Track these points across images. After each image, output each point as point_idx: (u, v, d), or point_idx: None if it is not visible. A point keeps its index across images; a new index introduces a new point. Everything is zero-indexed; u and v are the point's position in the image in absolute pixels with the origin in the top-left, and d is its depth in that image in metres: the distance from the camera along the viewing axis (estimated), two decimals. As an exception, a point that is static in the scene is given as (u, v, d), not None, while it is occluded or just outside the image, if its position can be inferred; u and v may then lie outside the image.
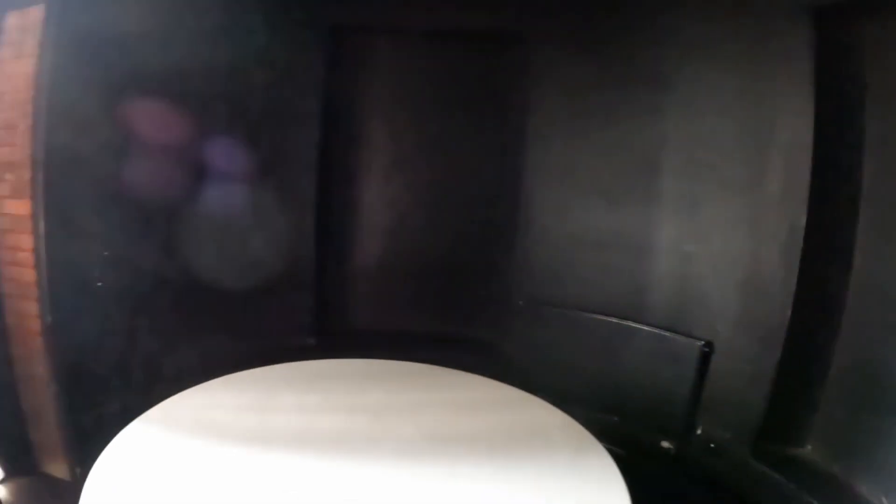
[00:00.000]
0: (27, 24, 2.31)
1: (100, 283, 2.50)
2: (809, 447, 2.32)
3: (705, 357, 2.60)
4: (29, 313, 2.38)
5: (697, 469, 2.55)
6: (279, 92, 3.19)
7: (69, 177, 2.40)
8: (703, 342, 2.60)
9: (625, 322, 2.90)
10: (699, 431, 2.63)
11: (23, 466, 2.61)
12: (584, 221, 3.10)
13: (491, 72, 3.40)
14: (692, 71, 2.69)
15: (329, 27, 3.23)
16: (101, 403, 2.39)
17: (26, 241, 2.32)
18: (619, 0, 2.88)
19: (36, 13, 2.29)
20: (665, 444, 2.68)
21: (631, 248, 2.95)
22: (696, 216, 2.71)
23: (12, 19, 2.33)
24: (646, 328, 2.83)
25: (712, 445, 2.55)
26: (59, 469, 2.59)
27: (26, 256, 2.34)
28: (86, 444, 2.16)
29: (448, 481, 1.63)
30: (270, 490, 1.54)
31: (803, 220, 2.19)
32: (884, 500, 1.96)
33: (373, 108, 3.46)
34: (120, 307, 2.65)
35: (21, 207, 2.33)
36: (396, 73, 3.45)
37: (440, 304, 3.54)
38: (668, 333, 2.74)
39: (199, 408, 1.98)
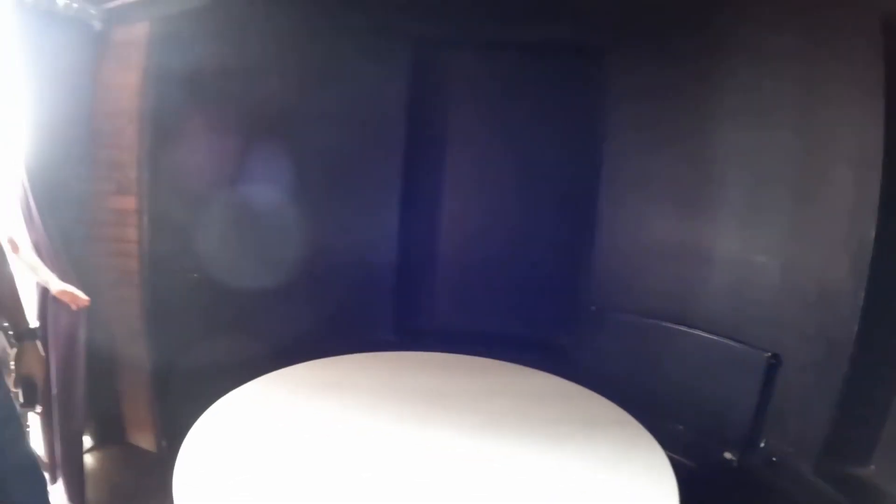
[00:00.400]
0: (133, 38, 2.73)
1: (196, 274, 2.95)
2: (873, 467, 2.38)
3: (772, 369, 2.70)
4: (130, 299, 2.84)
5: (758, 482, 2.65)
6: (365, 103, 3.58)
7: (169, 176, 2.84)
8: (769, 353, 2.70)
9: (692, 331, 3.05)
10: (763, 444, 2.74)
11: (112, 437, 3.07)
12: (655, 230, 3.29)
13: (568, 84, 3.66)
14: (761, 81, 2.79)
15: (413, 40, 3.61)
16: (193, 383, 2.74)
17: (131, 233, 2.78)
18: (692, 15, 3.03)
19: (141, 28, 2.72)
20: (728, 454, 2.79)
21: (699, 257, 3.09)
22: (764, 227, 2.82)
23: (120, 34, 2.76)
24: (713, 337, 2.96)
25: (774, 459, 2.65)
26: (146, 441, 3.04)
27: (130, 247, 2.79)
28: (174, 420, 2.59)
29: (504, 458, 1.89)
30: (345, 464, 1.81)
31: (872, 233, 2.26)
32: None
33: (454, 119, 3.80)
34: (213, 297, 3.08)
35: (126, 203, 2.79)
36: (476, 84, 3.77)
37: (514, 307, 3.85)
38: (735, 344, 2.86)
39: (285, 384, 2.34)
